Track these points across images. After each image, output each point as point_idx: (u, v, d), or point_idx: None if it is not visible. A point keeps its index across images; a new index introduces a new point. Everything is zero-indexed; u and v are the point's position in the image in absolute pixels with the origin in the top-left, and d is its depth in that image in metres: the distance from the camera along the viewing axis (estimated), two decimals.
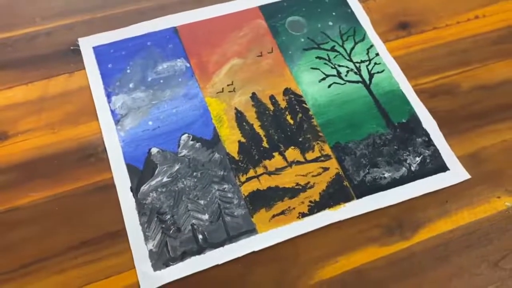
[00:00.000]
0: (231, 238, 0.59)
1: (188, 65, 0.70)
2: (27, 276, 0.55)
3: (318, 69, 0.71)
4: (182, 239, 0.58)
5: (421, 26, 0.76)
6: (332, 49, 0.73)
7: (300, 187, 0.62)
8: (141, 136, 0.64)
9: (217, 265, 0.57)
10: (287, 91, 0.69)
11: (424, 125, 0.67)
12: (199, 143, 0.64)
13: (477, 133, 0.67)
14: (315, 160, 0.64)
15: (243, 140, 0.65)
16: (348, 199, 0.62)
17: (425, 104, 0.69)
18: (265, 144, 0.65)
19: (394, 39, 0.75)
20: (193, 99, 0.67)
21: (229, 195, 0.61)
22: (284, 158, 0.64)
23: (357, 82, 0.71)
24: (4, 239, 0.57)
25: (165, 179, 0.62)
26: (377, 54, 0.73)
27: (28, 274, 0.55)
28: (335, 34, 0.75)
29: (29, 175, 0.61)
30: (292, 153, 0.64)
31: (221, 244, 0.58)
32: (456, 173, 0.64)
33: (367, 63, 0.72)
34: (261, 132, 0.66)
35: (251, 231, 0.59)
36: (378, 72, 0.71)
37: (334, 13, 0.76)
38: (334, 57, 0.73)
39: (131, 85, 0.68)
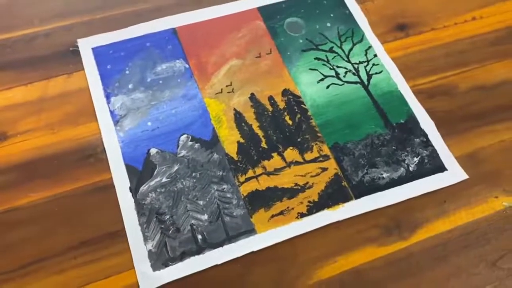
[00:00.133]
0: (230, 238, 0.59)
1: (187, 66, 0.70)
2: (27, 276, 0.55)
3: (317, 70, 0.72)
4: (181, 239, 0.58)
5: (419, 27, 0.77)
6: (331, 50, 0.74)
7: (299, 188, 0.62)
8: (140, 136, 0.65)
9: (216, 265, 0.57)
10: (285, 92, 0.69)
11: (422, 126, 0.68)
12: (198, 144, 0.64)
13: (475, 133, 0.68)
14: (314, 160, 0.64)
15: (242, 140, 0.65)
16: (346, 199, 0.62)
17: (423, 105, 0.69)
18: (264, 144, 0.65)
19: (392, 40, 0.75)
20: (192, 100, 0.68)
21: (228, 195, 0.61)
22: (283, 158, 0.64)
23: (356, 83, 0.71)
24: (3, 239, 0.57)
25: (164, 180, 0.62)
26: (375, 55, 0.73)
27: (28, 274, 0.55)
28: (334, 35, 0.75)
29: (28, 176, 0.61)
30: (291, 154, 0.65)
31: (220, 244, 0.58)
32: (454, 173, 0.64)
33: (365, 64, 0.73)
34: (260, 133, 0.66)
35: (250, 231, 0.59)
36: (376, 73, 0.72)
37: (332, 15, 0.77)
38: (333, 58, 0.73)
39: (130, 86, 0.68)
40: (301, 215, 0.61)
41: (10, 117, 0.65)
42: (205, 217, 0.60)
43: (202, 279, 0.56)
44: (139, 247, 0.58)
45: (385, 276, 0.58)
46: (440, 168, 0.65)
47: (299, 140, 0.66)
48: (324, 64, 0.72)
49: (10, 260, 0.56)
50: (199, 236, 0.59)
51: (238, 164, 0.63)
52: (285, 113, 0.68)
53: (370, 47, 0.74)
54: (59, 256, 0.56)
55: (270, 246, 0.58)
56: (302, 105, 0.68)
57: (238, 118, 0.67)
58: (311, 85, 0.70)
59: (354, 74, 0.72)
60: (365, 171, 0.64)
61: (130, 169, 0.62)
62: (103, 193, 0.60)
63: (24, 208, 0.59)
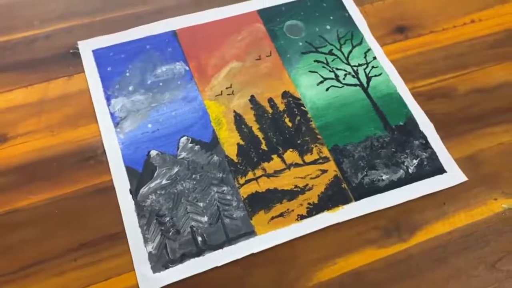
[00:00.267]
0: (230, 240, 0.59)
1: (187, 68, 0.70)
2: (27, 278, 0.55)
3: (316, 72, 0.72)
4: (181, 241, 0.58)
5: (418, 30, 0.77)
6: (330, 53, 0.74)
7: (299, 189, 0.62)
8: (140, 138, 0.65)
9: (216, 267, 0.57)
10: (285, 94, 0.70)
11: (421, 128, 0.68)
12: (198, 146, 0.65)
13: (474, 136, 0.68)
14: (314, 162, 0.64)
15: (242, 142, 0.65)
16: (346, 201, 0.62)
17: (422, 107, 0.69)
18: (263, 146, 0.65)
19: (391, 43, 0.76)
20: (192, 102, 0.68)
21: (228, 197, 0.61)
22: (283, 160, 0.64)
23: (355, 85, 0.71)
24: (3, 241, 0.57)
25: (164, 182, 0.62)
26: (375, 58, 0.74)
27: (28, 276, 0.55)
28: (333, 38, 0.75)
29: (28, 178, 0.61)
30: (291, 156, 0.65)
31: (220, 246, 0.58)
32: (453, 175, 0.65)
33: (365, 66, 0.73)
34: (260, 135, 0.66)
35: (250, 233, 0.59)
36: (375, 76, 0.72)
37: (331, 17, 0.77)
38: (332, 61, 0.73)
39: (130, 88, 0.68)
40: (301, 217, 0.61)
41: (10, 119, 0.65)
42: (205, 219, 0.60)
43: (202, 281, 0.56)
44: (139, 249, 0.58)
45: (385, 278, 0.58)
46: (439, 170, 0.65)
47: (299, 142, 0.66)
48: (323, 67, 0.72)
49: (10, 262, 0.56)
50: (199, 238, 0.59)
51: (238, 166, 0.64)
52: (285, 115, 0.68)
53: (369, 49, 0.74)
54: (59, 258, 0.56)
55: (270, 248, 0.59)
56: (302, 107, 0.69)
57: (238, 120, 0.67)
58: (310, 87, 0.70)
59: (353, 76, 0.72)
60: (365, 173, 0.64)
61: (130, 171, 0.62)
62: (103, 195, 0.61)
63: (24, 210, 0.59)
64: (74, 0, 0.76)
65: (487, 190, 0.64)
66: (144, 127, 0.66)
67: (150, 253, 0.57)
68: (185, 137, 0.65)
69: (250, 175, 0.63)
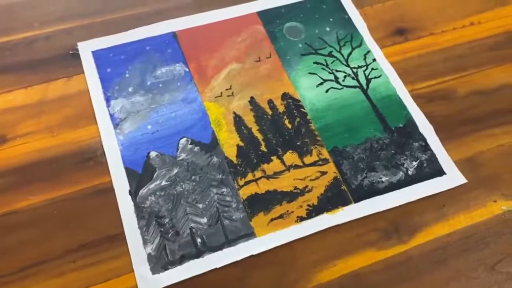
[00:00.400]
0: (230, 241, 0.59)
1: (187, 69, 0.70)
2: (26, 279, 0.55)
3: (316, 74, 0.72)
4: (181, 243, 0.58)
5: (417, 32, 0.77)
6: (330, 55, 0.74)
7: (298, 191, 0.62)
8: (140, 140, 0.65)
9: (216, 269, 0.57)
10: (285, 96, 0.70)
11: (421, 130, 0.68)
12: (198, 147, 0.65)
13: (473, 137, 0.68)
14: (313, 164, 0.64)
15: (241, 144, 0.65)
16: (346, 203, 0.62)
17: (421, 109, 0.69)
18: (263, 148, 0.65)
19: (391, 45, 0.76)
20: (192, 103, 0.68)
21: (228, 198, 0.61)
22: (282, 162, 0.64)
23: (355, 87, 0.71)
24: (3, 242, 0.57)
25: (163, 183, 0.62)
26: (374, 60, 0.74)
27: (27, 277, 0.55)
28: (333, 40, 0.75)
29: (28, 179, 0.61)
30: (290, 157, 0.65)
31: (219, 247, 0.58)
32: (453, 177, 0.65)
33: (364, 68, 0.73)
34: (259, 136, 0.66)
35: (250, 234, 0.59)
36: (375, 77, 0.72)
37: (331, 19, 0.77)
38: (332, 63, 0.73)
39: (130, 89, 0.68)
40: (301, 219, 0.61)
41: (10, 120, 0.65)
42: (205, 220, 0.60)
43: (201, 283, 0.56)
44: (138, 250, 0.58)
45: (385, 279, 0.58)
46: (439, 172, 0.65)
47: (298, 143, 0.66)
48: (323, 68, 0.73)
49: (10, 263, 0.56)
50: (199, 240, 0.59)
51: (238, 167, 0.64)
52: (285, 117, 0.68)
53: (369, 51, 0.74)
54: (59, 259, 0.56)
55: (269, 250, 0.58)
56: (302, 109, 0.69)
57: (238, 121, 0.67)
58: (310, 89, 0.70)
59: (353, 78, 0.72)
60: (364, 175, 0.64)
61: (129, 172, 0.62)
62: (103, 196, 0.60)
63: (23, 211, 0.59)
64: (74, 1, 0.76)
65: (486, 192, 0.64)
66: (144, 128, 0.66)
67: (149, 255, 0.57)
68: (185, 138, 0.65)
69: (249, 177, 0.63)
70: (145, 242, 0.58)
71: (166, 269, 0.57)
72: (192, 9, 0.76)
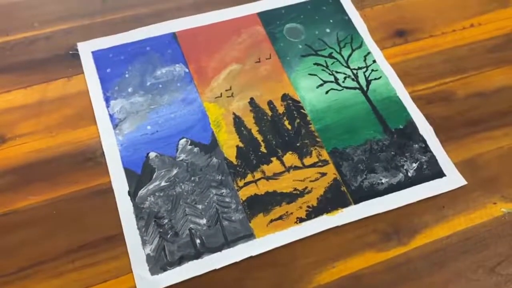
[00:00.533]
0: (229, 242, 0.59)
1: (186, 70, 0.70)
2: (25, 279, 0.55)
3: (316, 75, 0.72)
4: (180, 244, 0.58)
5: (417, 34, 0.77)
6: (330, 56, 0.74)
7: (298, 192, 0.62)
8: (139, 140, 0.64)
9: (215, 270, 0.57)
10: (285, 97, 0.69)
11: (421, 131, 0.68)
12: (197, 148, 0.64)
13: (473, 139, 0.68)
14: (313, 165, 0.64)
15: (241, 145, 0.65)
16: (345, 204, 0.62)
17: (421, 111, 0.69)
18: (263, 149, 0.65)
19: (391, 46, 0.76)
20: (192, 104, 0.68)
21: (227, 199, 0.61)
22: (282, 163, 0.64)
23: (355, 88, 0.71)
24: (2, 242, 0.57)
25: (163, 184, 0.62)
26: (374, 61, 0.74)
27: (26, 277, 0.55)
28: (333, 41, 0.75)
29: (27, 179, 0.61)
30: (290, 158, 0.65)
31: (218, 248, 0.58)
32: (453, 179, 0.65)
33: (364, 69, 0.73)
34: (259, 137, 0.66)
35: (249, 236, 0.59)
36: (375, 79, 0.72)
37: (331, 21, 0.77)
38: (332, 64, 0.73)
39: (129, 90, 0.68)
40: (300, 220, 0.60)
41: (9, 120, 0.65)
42: (204, 221, 0.60)
43: (200, 284, 0.56)
44: (137, 251, 0.57)
45: (384, 281, 0.58)
46: (438, 173, 0.65)
47: (298, 145, 0.66)
48: (323, 70, 0.72)
49: (9, 263, 0.56)
50: (198, 241, 0.58)
51: (237, 168, 0.63)
52: (284, 118, 0.68)
53: (369, 53, 0.74)
54: (58, 260, 0.56)
55: (268, 251, 0.58)
56: (302, 110, 0.68)
57: (238, 122, 0.67)
58: (310, 90, 0.70)
59: (353, 79, 0.72)
60: (364, 176, 0.64)
61: (129, 173, 0.62)
62: (102, 196, 0.60)
63: (22, 211, 0.59)
64: (74, 1, 0.76)
65: (486, 194, 0.64)
66: (143, 128, 0.65)
67: (148, 255, 0.57)
68: (184, 139, 0.65)
69: (249, 178, 0.63)
70: (144, 243, 0.58)
71: (165, 270, 0.56)
72: (192, 9, 0.76)
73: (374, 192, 0.63)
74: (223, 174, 0.63)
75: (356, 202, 0.62)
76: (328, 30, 0.76)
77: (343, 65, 0.73)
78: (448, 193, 0.64)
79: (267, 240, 0.59)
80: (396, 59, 0.74)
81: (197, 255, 0.58)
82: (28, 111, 0.66)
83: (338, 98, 0.70)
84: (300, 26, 0.76)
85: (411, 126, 0.68)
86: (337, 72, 0.72)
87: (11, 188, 0.60)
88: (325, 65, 0.73)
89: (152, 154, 0.64)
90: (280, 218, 0.60)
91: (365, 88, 0.71)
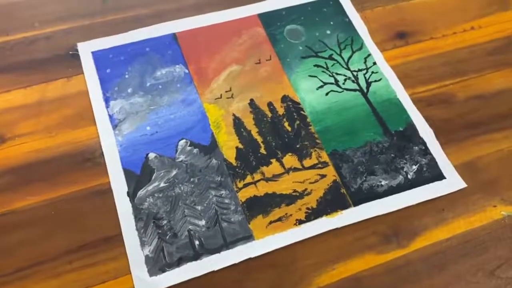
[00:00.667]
0: (228, 244, 0.58)
1: (186, 71, 0.70)
2: (24, 280, 0.55)
3: (316, 77, 0.72)
4: (179, 245, 0.58)
5: (418, 36, 0.77)
6: (330, 58, 0.74)
7: (298, 194, 0.62)
8: (138, 141, 0.64)
9: (214, 271, 0.57)
10: (285, 98, 0.69)
11: (421, 134, 0.68)
12: (197, 149, 0.64)
13: (473, 142, 0.68)
14: (313, 167, 0.64)
15: (240, 146, 0.65)
16: (345, 206, 0.62)
17: (422, 113, 0.69)
18: (262, 150, 0.65)
19: (392, 49, 0.76)
20: (191, 105, 0.68)
21: (226, 201, 0.61)
22: (282, 164, 0.64)
23: (355, 90, 0.71)
24: (1, 242, 0.57)
25: (162, 184, 0.62)
26: (375, 63, 0.74)
27: (25, 277, 0.55)
28: (333, 43, 0.75)
29: (26, 179, 0.61)
30: (290, 160, 0.65)
31: (217, 250, 0.58)
32: (453, 181, 0.64)
33: (365, 71, 0.73)
34: (259, 139, 0.66)
35: (248, 237, 0.59)
36: (375, 81, 0.72)
37: (332, 22, 0.77)
38: (332, 65, 0.73)
39: (129, 90, 0.68)
40: (300, 222, 0.60)
41: (9, 119, 0.65)
42: (203, 222, 0.60)
43: (199, 285, 0.56)
44: (136, 252, 0.57)
45: (384, 283, 0.57)
46: (438, 176, 0.65)
47: (298, 146, 0.66)
48: (323, 71, 0.72)
49: (7, 263, 0.56)
50: (197, 242, 0.58)
51: (237, 169, 0.63)
52: (284, 119, 0.68)
53: (369, 55, 0.74)
54: (56, 260, 0.56)
55: (268, 253, 0.58)
56: (301, 112, 0.68)
57: (237, 123, 0.67)
58: (310, 91, 0.70)
59: (353, 81, 0.72)
60: (364, 178, 0.64)
61: (128, 174, 0.62)
62: (101, 197, 0.60)
63: (21, 211, 0.59)
64: (74, 1, 0.76)
65: (486, 197, 0.64)
66: (143, 129, 0.65)
67: (147, 257, 0.57)
68: (184, 140, 0.65)
69: (248, 179, 0.63)
70: (142, 244, 0.58)
71: (163, 271, 0.56)
72: (193, 10, 0.76)
73: (373, 194, 0.63)
74: (222, 176, 0.63)
75: (356, 204, 0.62)
76: (328, 32, 0.76)
77: (343, 67, 0.73)
78: (448, 196, 0.63)
79: (266, 241, 0.59)
80: (396, 61, 0.74)
81: (196, 257, 0.57)
82: (28, 111, 0.66)
83: (338, 100, 0.70)
84: (301, 27, 0.76)
85: (411, 128, 0.68)
86: (337, 74, 0.72)
87: (10, 188, 0.60)
88: (325, 66, 0.73)
89: (152, 155, 0.63)
90: (279, 219, 0.60)
91: (365, 90, 0.71)
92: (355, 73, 0.73)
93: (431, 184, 0.64)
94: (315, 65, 0.73)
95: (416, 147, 0.67)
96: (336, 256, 0.59)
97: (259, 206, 0.61)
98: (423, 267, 0.59)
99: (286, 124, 0.67)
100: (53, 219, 0.58)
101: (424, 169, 0.65)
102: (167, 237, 0.58)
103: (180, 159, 0.63)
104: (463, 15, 0.80)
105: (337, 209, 0.61)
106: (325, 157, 0.65)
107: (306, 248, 0.59)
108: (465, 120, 0.70)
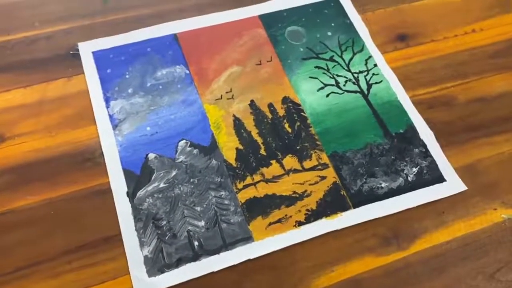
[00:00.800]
0: (227, 245, 0.58)
1: (187, 71, 0.70)
2: (22, 279, 0.55)
3: (317, 78, 0.72)
4: (178, 246, 0.58)
5: (419, 38, 0.77)
6: (331, 59, 0.74)
7: (297, 195, 0.62)
8: (138, 141, 0.64)
9: (213, 273, 0.57)
10: (285, 100, 0.69)
11: (421, 136, 0.68)
12: (197, 150, 0.64)
13: (474, 145, 0.68)
14: (313, 168, 0.64)
15: (240, 147, 0.65)
16: (345, 208, 0.62)
17: (422, 115, 0.69)
18: (262, 151, 0.65)
19: (393, 51, 0.75)
20: (192, 106, 0.68)
21: (226, 202, 0.61)
22: (282, 166, 0.64)
23: (355, 92, 0.71)
24: (0, 242, 0.57)
25: (161, 185, 0.61)
26: (375, 65, 0.74)
27: (23, 277, 0.55)
28: (334, 45, 0.75)
29: (25, 178, 0.61)
30: (290, 161, 0.64)
31: (217, 251, 0.58)
32: (453, 184, 0.64)
33: (365, 73, 0.73)
34: (259, 140, 0.66)
35: (247, 238, 0.59)
36: (376, 83, 0.72)
37: (333, 24, 0.77)
38: (333, 67, 0.73)
39: (129, 90, 0.68)
40: (299, 224, 0.60)
41: (9, 119, 0.65)
42: (202, 223, 0.59)
43: (198, 286, 0.56)
44: (135, 252, 0.57)
45: (383, 286, 0.57)
46: (439, 178, 0.64)
47: (298, 148, 0.66)
48: (324, 73, 0.72)
49: (6, 263, 0.55)
50: (196, 243, 0.58)
51: (237, 170, 0.63)
52: (285, 121, 0.68)
53: (370, 56, 0.74)
54: (55, 260, 0.56)
55: (267, 254, 0.58)
56: (302, 113, 0.68)
57: (238, 124, 0.67)
58: (311, 93, 0.70)
59: (354, 83, 0.72)
60: (364, 180, 0.64)
61: (127, 174, 0.62)
62: (100, 197, 0.60)
63: (20, 211, 0.59)
64: (75, 1, 0.76)
65: (486, 200, 0.64)
66: (143, 129, 0.65)
67: (146, 257, 0.57)
68: (184, 141, 0.65)
69: (248, 180, 0.63)
70: (142, 244, 0.58)
71: (162, 272, 0.56)
72: (194, 11, 0.76)
73: (373, 196, 0.63)
74: (222, 176, 0.63)
75: (356, 206, 0.62)
76: (329, 34, 0.76)
77: (344, 68, 0.73)
78: (448, 198, 0.63)
79: (265, 243, 0.59)
80: (397, 63, 0.74)
81: (195, 258, 0.57)
82: (28, 111, 0.66)
83: (338, 102, 0.70)
84: (302, 29, 0.76)
85: (412, 130, 0.68)
86: (338, 75, 0.72)
87: (10, 188, 0.60)
88: (326, 68, 0.73)
89: (151, 155, 0.63)
90: (279, 221, 0.60)
91: (365, 92, 0.71)
92: (355, 75, 0.72)
93: (431, 187, 0.64)
94: (316, 67, 0.73)
95: (417, 149, 0.67)
96: (335, 258, 0.59)
97: (259, 207, 0.61)
98: (423, 270, 0.58)
99: (286, 125, 0.67)
100: (53, 219, 0.58)
101: (425, 171, 0.65)
102: (167, 237, 0.58)
103: (180, 160, 0.63)
104: (464, 18, 0.80)
105: (337, 211, 0.61)
106: (325, 158, 0.65)
107: (306, 249, 0.59)
108: (466, 122, 0.70)
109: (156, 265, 0.57)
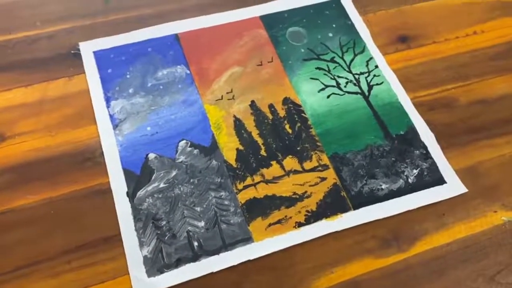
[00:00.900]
0: (227, 246, 0.58)
1: (188, 72, 0.70)
2: (22, 279, 0.55)
3: (318, 79, 0.72)
4: (177, 246, 0.58)
5: (420, 40, 0.77)
6: (332, 60, 0.74)
7: (297, 197, 0.62)
8: (139, 141, 0.64)
9: (212, 273, 0.56)
10: (286, 100, 0.69)
11: (422, 138, 0.67)
12: (197, 150, 0.64)
13: (474, 147, 0.68)
14: (313, 169, 0.64)
15: (241, 147, 0.65)
16: (345, 209, 0.61)
17: (423, 117, 0.69)
18: (263, 152, 0.65)
19: (394, 52, 0.75)
20: (192, 106, 0.68)
21: (226, 202, 0.61)
22: (282, 167, 0.64)
23: (356, 93, 0.71)
24: (0, 241, 0.57)
25: (161, 185, 0.61)
26: (377, 66, 0.73)
27: (23, 276, 0.55)
28: (335, 46, 0.75)
29: (26, 177, 0.60)
30: (290, 162, 0.64)
31: (216, 251, 0.58)
32: (453, 186, 0.64)
33: (366, 75, 0.73)
34: (259, 140, 0.66)
35: (247, 239, 0.59)
36: (377, 84, 0.72)
37: (334, 25, 0.77)
38: (334, 68, 0.73)
39: (130, 90, 0.68)
40: (299, 225, 0.60)
41: (9, 118, 0.65)
42: (202, 224, 0.59)
43: (197, 287, 0.56)
44: (134, 252, 0.57)
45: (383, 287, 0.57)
46: (439, 180, 0.64)
47: (298, 148, 0.65)
48: (325, 74, 0.72)
49: (6, 262, 0.55)
50: (195, 243, 0.58)
51: (237, 171, 0.63)
52: (285, 122, 0.67)
53: (371, 58, 0.74)
54: (55, 260, 0.56)
55: (266, 255, 0.58)
56: (302, 114, 0.68)
57: (238, 125, 0.67)
58: (311, 94, 0.70)
59: (355, 84, 0.72)
60: (364, 181, 0.64)
61: (127, 174, 0.62)
62: (100, 197, 0.60)
63: (20, 210, 0.59)
64: (76, 1, 0.76)
65: (487, 202, 0.64)
66: (143, 129, 0.65)
67: (145, 257, 0.57)
68: (184, 141, 0.65)
69: (248, 181, 0.63)
70: (141, 245, 0.57)
71: (162, 272, 0.56)
72: (195, 11, 0.76)
73: (374, 198, 0.62)
74: (222, 177, 0.63)
75: (356, 207, 0.62)
76: (330, 35, 0.76)
77: (345, 69, 0.73)
78: (448, 201, 0.63)
79: (265, 244, 0.59)
80: (398, 65, 0.74)
81: (195, 258, 0.57)
82: (28, 110, 0.66)
83: (339, 103, 0.70)
84: (303, 30, 0.76)
85: (412, 132, 0.68)
86: (339, 76, 0.72)
87: (10, 187, 0.60)
88: (327, 69, 0.73)
89: (152, 155, 0.63)
90: (278, 222, 0.60)
91: (366, 93, 0.71)
92: (356, 76, 0.72)
93: (431, 189, 0.64)
94: (316, 68, 0.73)
95: (417, 151, 0.66)
96: (335, 259, 0.58)
97: (259, 208, 0.61)
98: (423, 272, 0.58)
99: (287, 126, 0.67)
100: (52, 219, 0.58)
101: (425, 173, 0.65)
102: (166, 238, 0.58)
103: (180, 160, 0.63)
104: (466, 20, 0.80)
105: (337, 212, 0.61)
106: (325, 160, 0.65)
107: (305, 251, 0.59)
108: (467, 124, 0.69)
109: (156, 265, 0.56)
